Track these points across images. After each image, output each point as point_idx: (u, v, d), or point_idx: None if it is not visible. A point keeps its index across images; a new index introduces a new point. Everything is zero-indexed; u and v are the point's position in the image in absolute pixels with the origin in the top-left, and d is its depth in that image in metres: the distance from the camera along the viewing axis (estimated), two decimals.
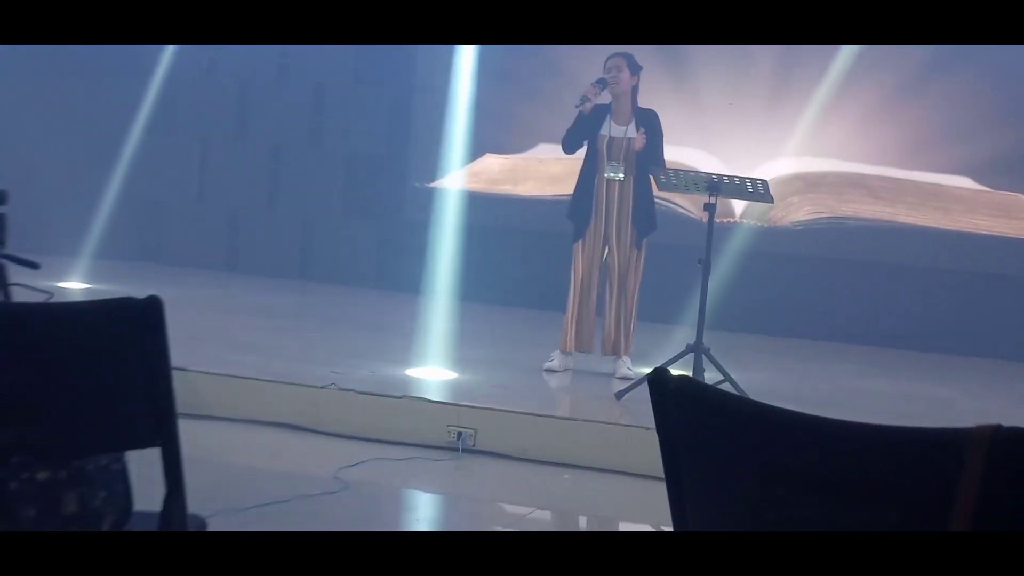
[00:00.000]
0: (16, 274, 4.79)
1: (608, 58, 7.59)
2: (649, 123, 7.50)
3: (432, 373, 7.40)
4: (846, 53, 10.02)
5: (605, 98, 7.54)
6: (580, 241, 7.62)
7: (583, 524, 5.58)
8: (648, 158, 7.44)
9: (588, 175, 7.62)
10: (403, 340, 8.67)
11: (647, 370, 6.86)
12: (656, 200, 8.14)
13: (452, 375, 7.40)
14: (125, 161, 11.90)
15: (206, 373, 6.60)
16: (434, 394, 6.62)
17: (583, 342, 7.70)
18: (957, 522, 1.64)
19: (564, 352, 7.72)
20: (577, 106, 7.49)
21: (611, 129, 7.52)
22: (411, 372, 7.34)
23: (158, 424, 2.62)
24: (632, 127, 7.51)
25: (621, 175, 7.50)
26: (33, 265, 4.58)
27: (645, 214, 7.56)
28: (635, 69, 7.56)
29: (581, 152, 7.67)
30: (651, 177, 7.44)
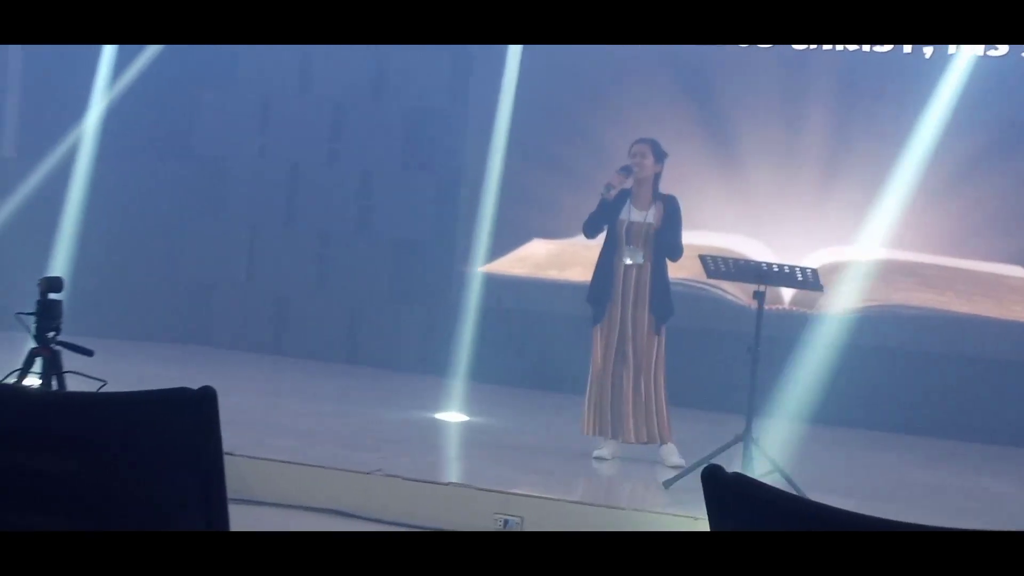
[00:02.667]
0: (70, 361, 4.83)
1: (633, 144, 7.67)
2: (670, 208, 7.54)
3: (480, 459, 7.37)
4: (897, 141, 10.00)
5: (628, 183, 7.59)
6: (599, 326, 7.64)
7: None
8: (665, 240, 7.46)
9: (607, 259, 7.66)
10: (450, 427, 8.65)
11: (694, 458, 6.76)
12: (704, 285, 8.13)
13: (497, 461, 7.36)
14: (173, 243, 12.02)
15: (252, 458, 6.60)
16: (482, 481, 6.58)
17: (603, 428, 7.65)
18: None
19: (609, 439, 7.66)
20: (602, 193, 7.54)
21: (631, 214, 7.56)
22: (455, 458, 7.32)
23: (209, 514, 2.62)
24: (652, 212, 7.54)
25: (640, 259, 7.53)
26: (87, 352, 4.63)
27: (663, 300, 7.56)
28: (660, 156, 7.62)
29: (590, 235, 7.74)
30: (667, 261, 7.50)
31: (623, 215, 7.57)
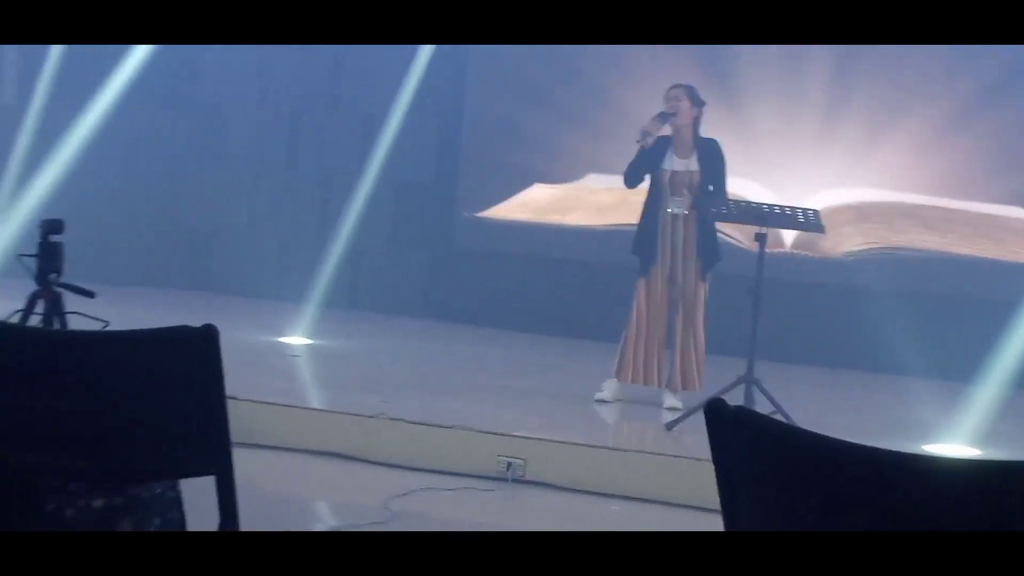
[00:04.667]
0: (72, 302, 4.84)
1: (669, 89, 7.52)
2: (711, 153, 7.45)
3: (483, 402, 7.39)
4: (897, 83, 9.97)
5: (665, 130, 7.45)
6: (644, 278, 7.56)
7: None
8: (708, 193, 7.39)
9: (652, 210, 7.54)
10: (453, 369, 8.67)
11: (696, 401, 6.80)
12: None
13: (502, 405, 7.39)
14: (175, 190, 11.99)
15: (257, 402, 6.62)
16: (484, 424, 6.60)
17: (649, 376, 7.61)
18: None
19: (618, 383, 7.65)
20: (638, 141, 7.39)
21: (673, 163, 7.44)
22: (461, 401, 7.34)
23: (213, 453, 2.63)
24: (694, 160, 7.44)
25: (685, 210, 7.44)
26: (89, 294, 4.63)
27: (709, 246, 7.51)
28: (697, 101, 7.48)
29: (631, 184, 7.66)
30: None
31: (665, 164, 7.45)
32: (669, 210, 7.44)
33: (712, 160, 7.41)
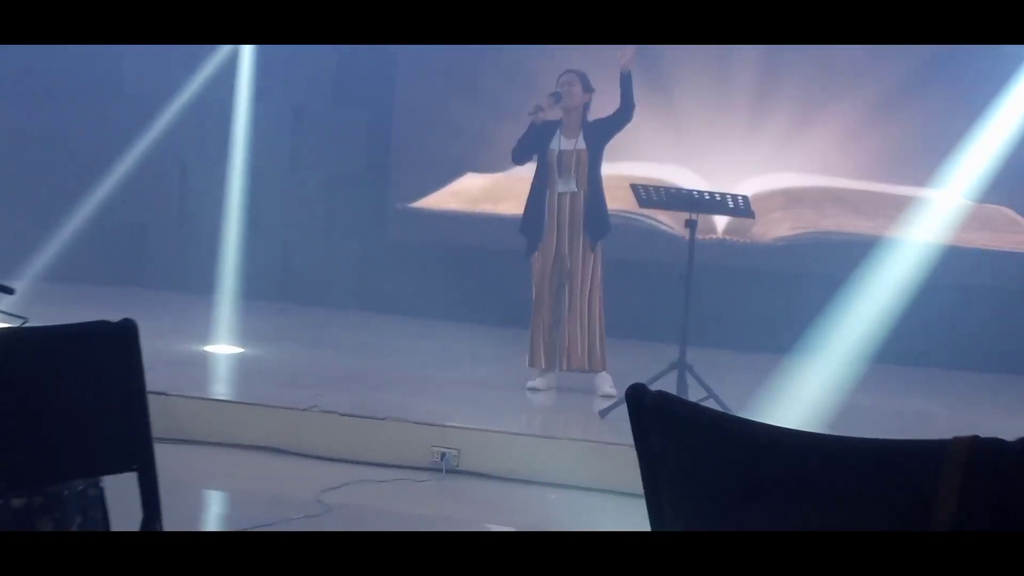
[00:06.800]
0: None
1: (562, 74, 7.67)
2: (596, 129, 7.53)
3: (416, 393, 7.37)
4: (825, 68, 10.06)
5: (556, 115, 7.59)
6: (536, 255, 7.66)
7: None
8: (610, 119, 7.48)
9: (539, 190, 7.68)
10: (384, 361, 8.64)
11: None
12: (636, 215, 8.14)
13: (435, 396, 7.37)
14: (105, 184, 11.85)
15: (186, 397, 6.56)
16: (418, 415, 6.58)
17: (547, 359, 7.69)
18: (937, 530, 1.63)
19: (544, 371, 7.71)
20: (530, 114, 7.56)
21: (561, 143, 7.58)
22: (394, 392, 7.32)
23: (134, 449, 2.60)
24: (581, 139, 7.55)
25: (574, 187, 7.56)
26: (8, 291, 4.54)
27: (597, 219, 7.57)
28: (588, 87, 7.63)
29: (518, 160, 7.73)
30: (602, 186, 7.51)
31: (553, 145, 7.58)
32: (559, 189, 7.55)
33: (596, 132, 7.49)
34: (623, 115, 7.50)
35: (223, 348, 8.80)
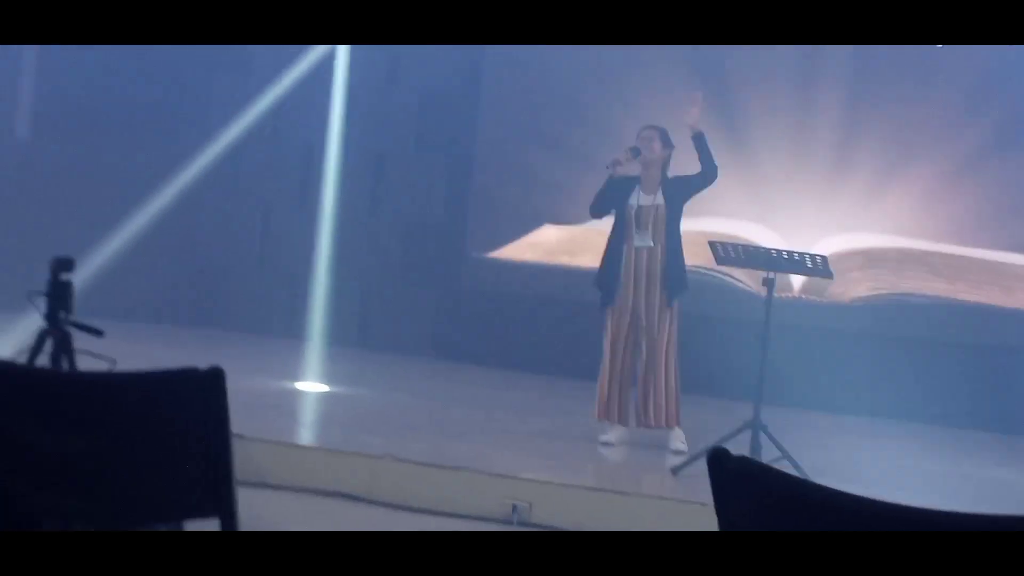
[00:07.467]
0: (81, 340, 4.84)
1: (642, 129, 7.67)
2: (677, 185, 7.53)
3: (489, 444, 7.38)
4: (906, 128, 10.00)
5: (634, 169, 7.58)
6: (610, 308, 7.63)
7: None
8: (692, 176, 7.48)
9: (616, 245, 7.66)
10: (461, 411, 8.67)
11: (703, 444, 6.73)
12: (713, 272, 8.11)
13: (509, 447, 7.37)
14: (188, 226, 12.06)
15: (264, 441, 6.61)
16: (491, 466, 6.59)
17: (612, 413, 7.65)
18: None
19: (615, 424, 7.67)
20: (607, 167, 7.55)
21: (639, 199, 7.56)
22: (468, 443, 7.33)
23: (217, 495, 2.63)
24: (660, 195, 7.53)
25: (651, 243, 7.53)
26: (97, 332, 4.64)
27: (674, 276, 7.55)
28: (667, 143, 7.62)
29: (596, 214, 7.76)
30: (681, 242, 7.51)
31: (632, 200, 7.57)
32: (636, 244, 7.52)
33: (677, 189, 7.47)
34: (706, 177, 7.48)
35: (302, 387, 8.90)
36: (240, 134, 11.98)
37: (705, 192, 7.64)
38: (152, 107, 11.82)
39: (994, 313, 9.85)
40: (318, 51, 11.80)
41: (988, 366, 9.85)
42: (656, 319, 7.55)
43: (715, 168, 7.45)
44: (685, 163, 7.65)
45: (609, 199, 7.64)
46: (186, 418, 2.61)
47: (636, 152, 7.54)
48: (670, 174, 7.62)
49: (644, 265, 7.57)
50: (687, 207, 7.67)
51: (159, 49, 11.82)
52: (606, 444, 7.63)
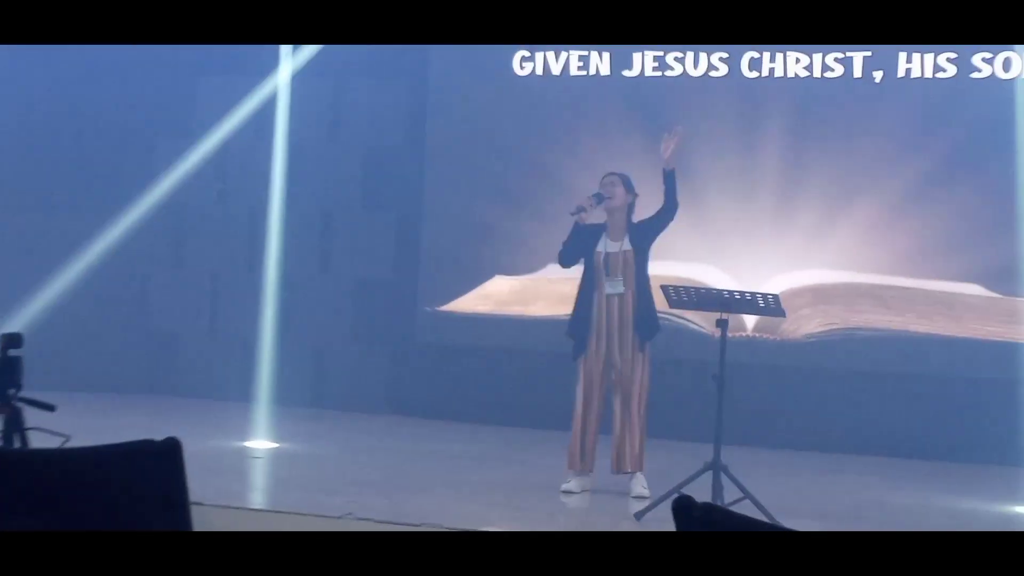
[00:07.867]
0: (33, 417, 4.78)
1: (604, 176, 7.73)
2: (643, 230, 7.57)
3: (449, 497, 7.34)
4: (849, 164, 10.11)
5: (600, 217, 7.62)
6: (583, 357, 7.64)
7: None
8: (656, 219, 7.54)
9: (587, 293, 7.68)
10: (419, 466, 8.62)
11: (664, 488, 6.72)
12: (667, 315, 8.13)
13: (468, 499, 7.34)
14: (136, 294, 11.98)
15: (222, 507, 6.54)
16: (451, 520, 6.55)
17: (591, 462, 7.66)
18: None
19: (578, 473, 7.67)
20: (572, 214, 7.58)
21: (607, 246, 7.60)
22: (427, 497, 7.29)
23: None
24: (627, 241, 7.57)
25: (621, 289, 7.56)
26: (49, 407, 4.57)
27: (646, 320, 7.58)
28: (630, 189, 7.69)
29: (566, 264, 7.78)
30: (650, 287, 7.54)
31: (599, 247, 7.60)
32: (607, 291, 7.56)
33: (643, 233, 7.52)
34: (666, 214, 7.55)
35: (258, 450, 8.84)
36: (183, 195, 11.89)
37: (662, 234, 7.69)
38: (92, 169, 11.74)
39: (944, 343, 9.94)
40: (257, 104, 11.75)
41: (941, 396, 9.93)
42: (630, 365, 7.57)
43: (676, 205, 7.53)
44: (647, 208, 7.70)
45: (577, 247, 7.67)
46: (144, 491, 2.58)
47: (599, 198, 7.58)
48: (635, 219, 7.66)
49: (616, 312, 7.59)
50: None
51: (96, 114, 11.79)
52: (568, 492, 7.61)
